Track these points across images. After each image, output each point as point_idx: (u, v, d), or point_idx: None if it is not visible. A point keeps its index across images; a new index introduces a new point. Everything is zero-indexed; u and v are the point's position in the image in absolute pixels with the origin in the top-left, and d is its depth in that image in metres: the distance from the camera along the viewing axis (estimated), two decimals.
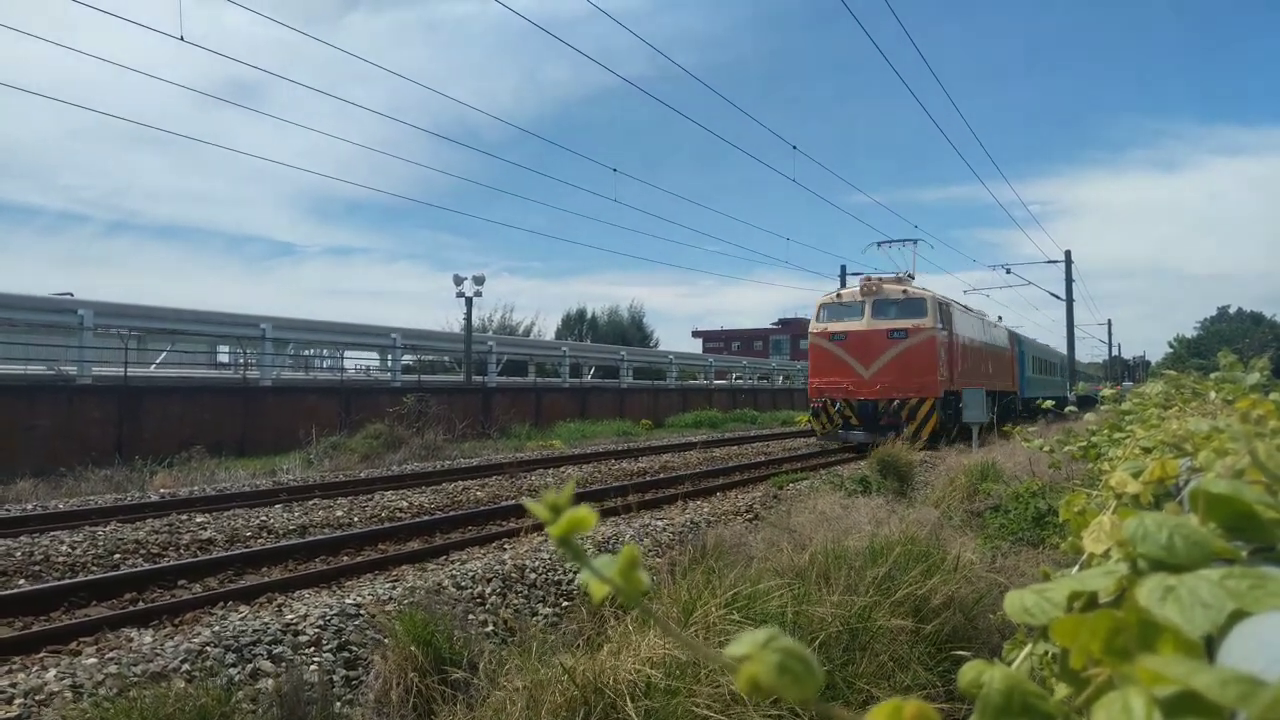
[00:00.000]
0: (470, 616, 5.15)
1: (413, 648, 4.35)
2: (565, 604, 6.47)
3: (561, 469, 17.46)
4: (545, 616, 6.19)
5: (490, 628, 5.25)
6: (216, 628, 5.83)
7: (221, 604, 6.45)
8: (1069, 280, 37.86)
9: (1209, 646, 0.68)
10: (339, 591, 6.86)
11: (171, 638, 5.62)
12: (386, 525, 10.52)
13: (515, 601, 6.66)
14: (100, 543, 8.93)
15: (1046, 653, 1.07)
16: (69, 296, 24.49)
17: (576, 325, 61.61)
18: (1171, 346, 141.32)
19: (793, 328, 68.49)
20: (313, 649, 5.65)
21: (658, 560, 6.38)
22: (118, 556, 8.64)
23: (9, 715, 4.59)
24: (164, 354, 27.26)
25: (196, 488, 13.76)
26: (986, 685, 0.67)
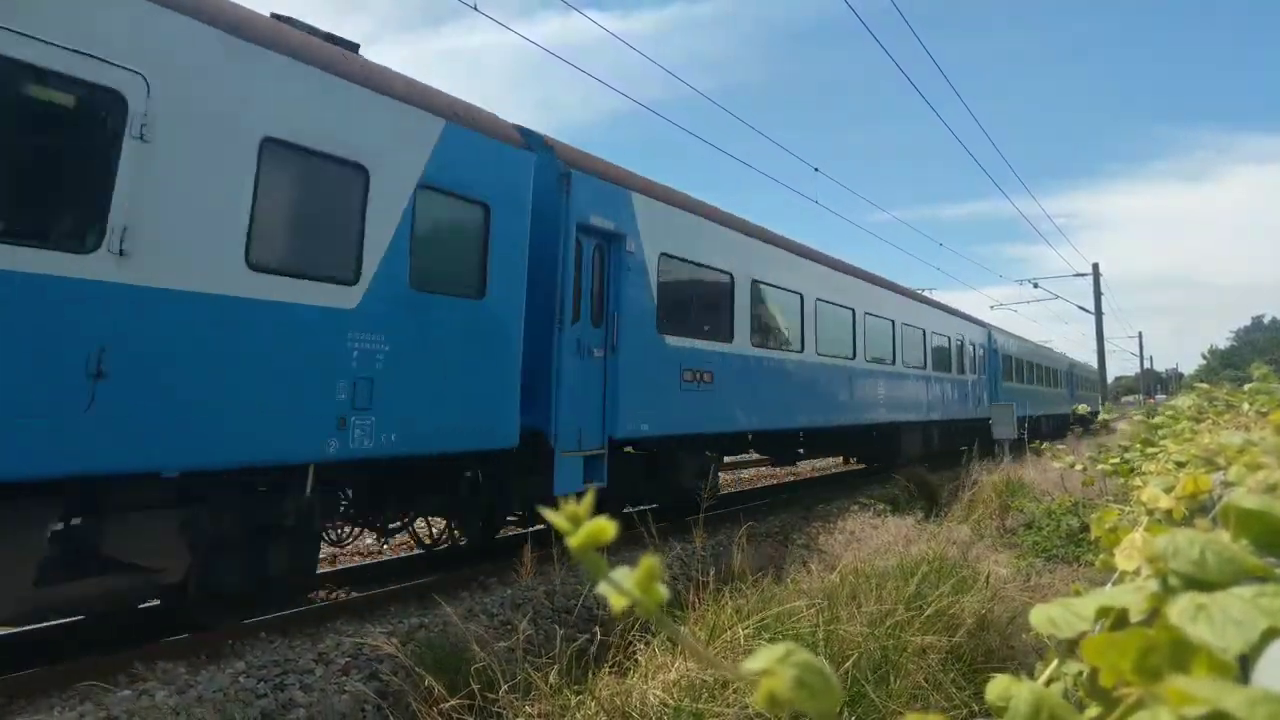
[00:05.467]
0: (499, 643, 5.14)
1: (437, 681, 4.35)
2: (593, 629, 6.44)
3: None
4: (575, 642, 6.17)
5: (518, 653, 5.24)
6: (249, 658, 5.86)
7: (254, 635, 6.48)
8: (1097, 293, 37.35)
9: (1243, 666, 0.67)
10: (370, 620, 6.88)
11: (205, 668, 5.66)
12: (415, 553, 10.54)
13: (545, 627, 6.64)
14: None
15: (1080, 672, 1.06)
16: None
17: None
18: (1205, 358, 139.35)
19: None
20: (344, 678, 5.66)
21: (686, 583, 6.35)
22: None
23: None
24: None
25: None
26: (1014, 700, 0.66)
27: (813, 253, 15.16)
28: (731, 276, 11.99)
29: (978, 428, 23.33)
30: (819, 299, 14.64)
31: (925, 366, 20.23)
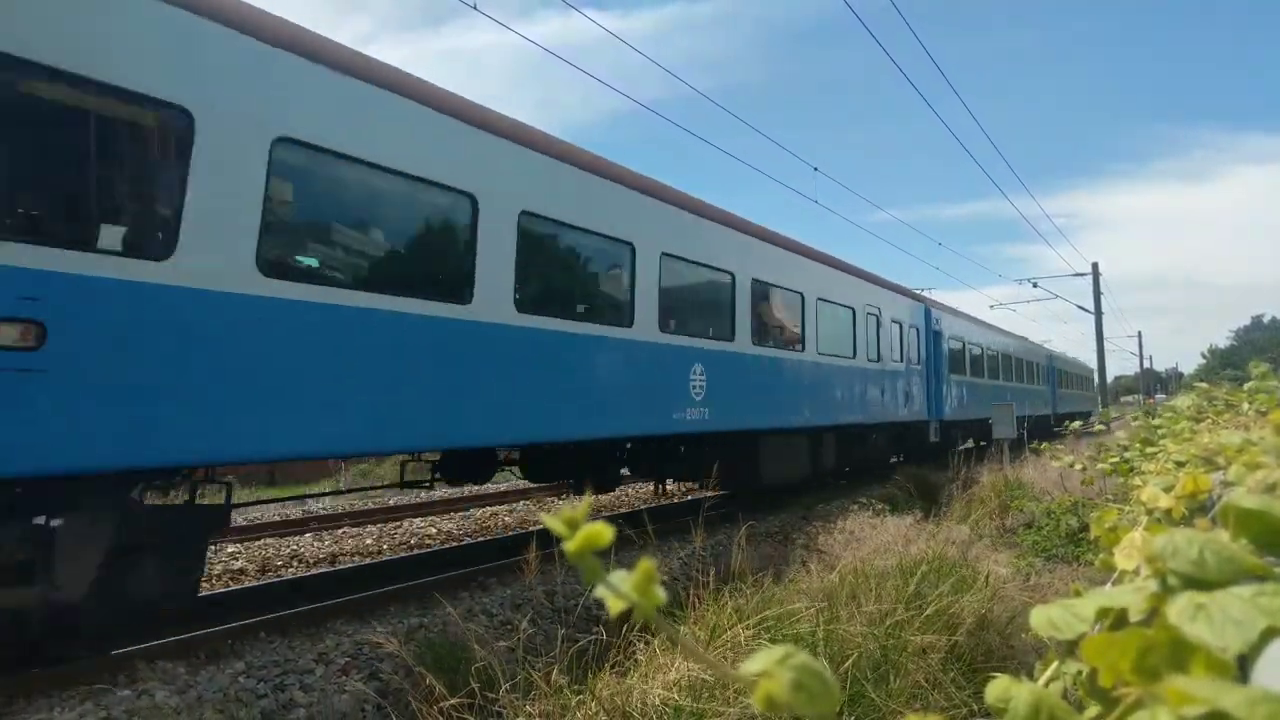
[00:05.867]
0: (499, 643, 5.14)
1: (437, 680, 4.35)
2: (595, 629, 6.45)
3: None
4: (576, 642, 6.17)
5: (518, 653, 5.26)
6: (249, 658, 5.86)
7: (254, 635, 6.48)
8: (1097, 293, 37.34)
9: (1242, 665, 0.67)
10: (370, 620, 6.88)
11: (205, 668, 5.66)
12: (416, 553, 10.56)
13: (545, 626, 6.65)
14: None
15: (1079, 672, 1.06)
16: None
17: None
18: (1204, 358, 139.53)
19: None
20: (344, 677, 5.66)
21: (686, 583, 6.35)
22: None
23: None
24: None
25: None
26: (1013, 701, 0.66)
27: (513, 130, 8.30)
28: (191, 118, 5.43)
29: (911, 434, 19.41)
30: (533, 214, 8.20)
31: (804, 347, 13.56)
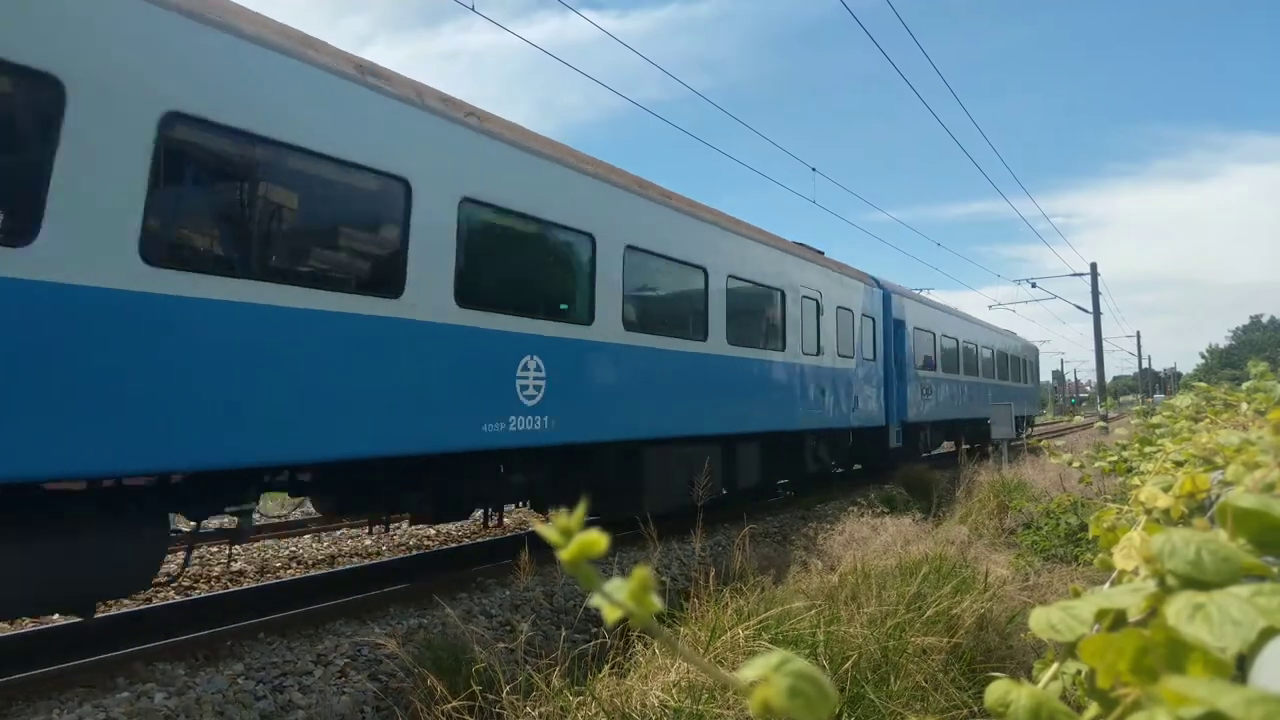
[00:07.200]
0: (499, 644, 5.13)
1: (439, 681, 4.34)
2: (594, 629, 6.44)
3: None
4: (576, 646, 6.16)
5: (517, 654, 5.24)
6: (248, 659, 5.86)
7: (253, 637, 6.47)
8: (1095, 293, 37.35)
9: (1240, 665, 0.67)
10: (369, 621, 6.88)
11: (204, 670, 5.65)
12: (415, 554, 10.55)
13: (544, 628, 6.64)
14: None
15: (1079, 672, 1.05)
16: None
17: None
18: (1203, 357, 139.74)
19: None
20: (343, 679, 5.65)
21: (685, 584, 6.35)
22: (150, 590, 8.72)
23: None
24: None
25: (226, 519, 13.82)
26: (1013, 704, 0.66)
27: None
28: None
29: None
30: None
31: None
